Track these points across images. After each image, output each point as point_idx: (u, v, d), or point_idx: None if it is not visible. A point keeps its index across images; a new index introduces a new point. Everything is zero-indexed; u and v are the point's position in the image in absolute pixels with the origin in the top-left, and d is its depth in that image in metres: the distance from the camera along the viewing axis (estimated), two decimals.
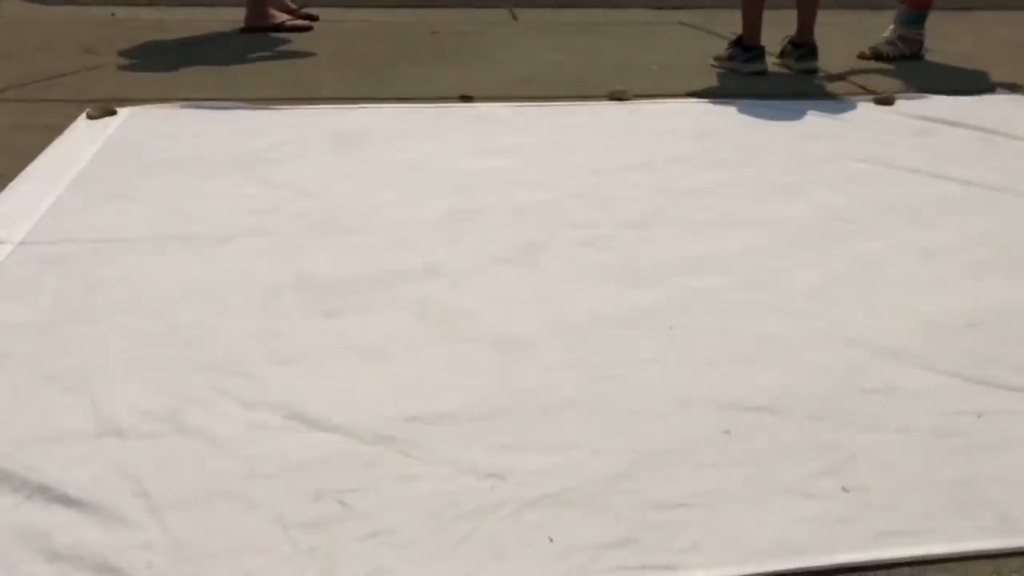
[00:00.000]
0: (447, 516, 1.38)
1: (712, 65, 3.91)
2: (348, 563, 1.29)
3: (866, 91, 3.67)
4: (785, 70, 3.92)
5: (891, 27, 4.21)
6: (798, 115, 3.35)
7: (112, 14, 4.72)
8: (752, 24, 3.78)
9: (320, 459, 1.49)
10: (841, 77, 3.87)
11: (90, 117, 3.05)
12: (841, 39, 4.38)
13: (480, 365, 1.76)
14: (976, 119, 3.28)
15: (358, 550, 1.31)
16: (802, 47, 3.89)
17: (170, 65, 3.77)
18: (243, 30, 4.37)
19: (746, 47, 3.82)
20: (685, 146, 3.00)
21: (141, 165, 2.69)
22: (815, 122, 3.29)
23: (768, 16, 3.80)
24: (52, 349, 1.77)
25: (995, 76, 3.92)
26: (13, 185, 2.51)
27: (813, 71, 3.88)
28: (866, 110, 3.44)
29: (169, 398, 1.62)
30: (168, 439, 1.52)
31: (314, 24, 4.53)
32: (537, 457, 1.51)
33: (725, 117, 3.33)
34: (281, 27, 4.40)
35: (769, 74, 3.84)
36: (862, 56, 4.16)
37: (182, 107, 3.19)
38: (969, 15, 5.14)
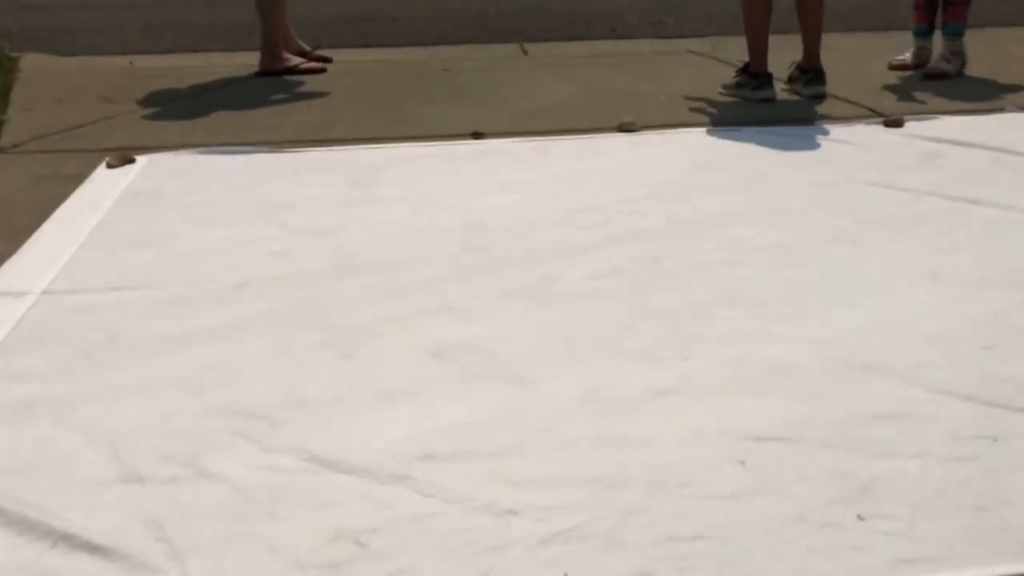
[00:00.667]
0: (464, 554, 1.40)
1: (721, 93, 3.94)
2: None
3: (875, 114, 3.68)
4: (794, 96, 3.95)
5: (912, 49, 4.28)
6: (807, 140, 3.36)
7: (130, 63, 4.80)
8: (758, 52, 3.81)
9: (337, 500, 1.51)
10: (849, 100, 3.89)
11: (110, 166, 3.11)
12: (849, 62, 4.40)
13: (494, 402, 1.78)
14: (986, 139, 3.28)
15: None
16: (809, 72, 3.92)
17: (187, 112, 3.83)
18: (258, 74, 4.43)
19: (754, 75, 3.85)
20: (695, 176, 3.01)
21: (160, 212, 2.74)
22: (824, 147, 3.30)
23: (775, 41, 3.82)
24: (74, 397, 1.80)
25: (1006, 94, 3.92)
26: (36, 235, 2.56)
27: (821, 96, 3.90)
28: (875, 133, 3.44)
29: (189, 443, 1.65)
30: (188, 484, 1.55)
31: (328, 66, 4.59)
32: (552, 493, 1.53)
33: (735, 145, 3.34)
34: (295, 70, 4.47)
35: (778, 100, 3.86)
36: (928, 76, 4.16)
37: (199, 153, 3.25)
38: (980, 32, 5.14)
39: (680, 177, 3.00)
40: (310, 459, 1.61)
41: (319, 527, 1.45)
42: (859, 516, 1.47)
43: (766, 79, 3.84)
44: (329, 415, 1.74)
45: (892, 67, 4.28)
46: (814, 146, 3.31)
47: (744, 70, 3.90)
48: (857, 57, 4.49)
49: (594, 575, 1.36)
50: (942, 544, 1.41)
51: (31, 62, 4.55)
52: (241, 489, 1.53)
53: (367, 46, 5.12)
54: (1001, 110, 3.71)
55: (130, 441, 1.66)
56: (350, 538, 1.42)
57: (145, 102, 3.98)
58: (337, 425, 1.71)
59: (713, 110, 3.77)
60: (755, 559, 1.39)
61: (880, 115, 3.65)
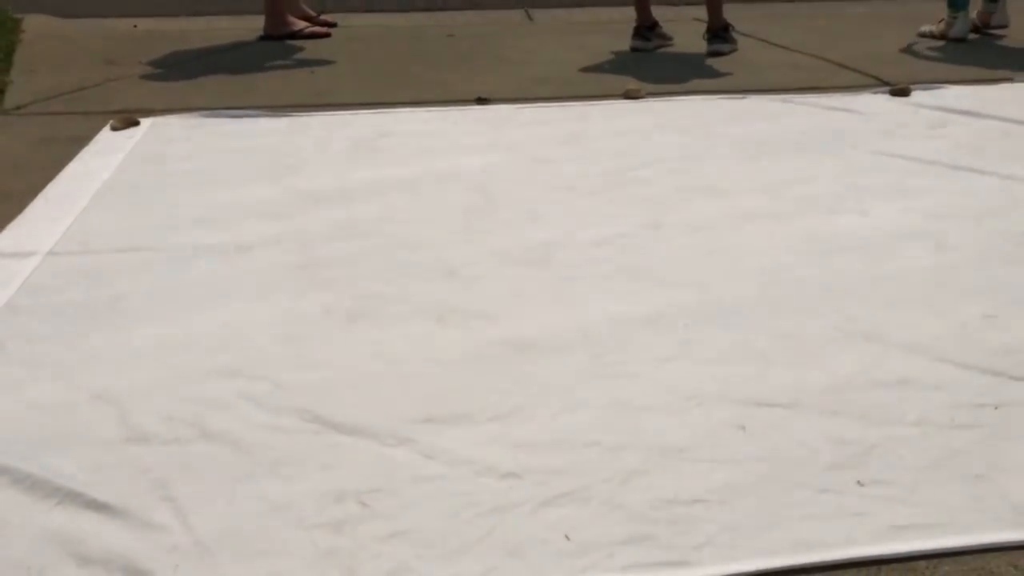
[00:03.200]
0: (466, 515, 1.41)
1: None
2: (369, 563, 1.32)
3: (881, 82, 3.66)
4: (802, 63, 3.92)
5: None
6: (812, 108, 3.34)
7: (134, 25, 4.78)
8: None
9: (340, 461, 1.52)
10: (856, 69, 3.86)
11: (114, 128, 3.10)
12: (858, 30, 4.37)
13: (497, 366, 1.79)
14: (993, 109, 3.27)
15: (379, 550, 1.34)
16: (710, 32, 4.19)
17: (191, 74, 3.82)
18: (262, 38, 4.42)
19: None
20: (699, 143, 3.00)
21: (164, 174, 2.74)
22: (829, 115, 3.28)
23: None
24: (80, 358, 1.81)
25: (1014, 64, 3.89)
26: (40, 197, 2.56)
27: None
28: (881, 101, 3.43)
29: (193, 404, 1.66)
30: (193, 444, 1.56)
31: (332, 30, 4.57)
32: (554, 456, 1.53)
33: (739, 112, 3.33)
34: (300, 34, 4.45)
35: (784, 67, 3.84)
36: (931, 35, 4.27)
37: (203, 116, 3.24)
38: None
39: (684, 144, 2.99)
40: (313, 420, 1.62)
41: (322, 487, 1.46)
42: (859, 482, 1.48)
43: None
44: (333, 377, 1.75)
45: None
46: (818, 114, 3.29)
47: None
48: (867, 25, 4.46)
49: (594, 537, 1.37)
50: (941, 511, 1.42)
51: (34, 24, 4.54)
52: (245, 449, 1.54)
53: (372, 11, 5.10)
54: (1010, 80, 3.69)
55: (135, 401, 1.66)
56: (352, 498, 1.43)
57: (149, 65, 3.97)
58: (341, 387, 1.71)
59: (718, 77, 3.76)
60: (754, 523, 1.39)
61: (887, 84, 3.63)
